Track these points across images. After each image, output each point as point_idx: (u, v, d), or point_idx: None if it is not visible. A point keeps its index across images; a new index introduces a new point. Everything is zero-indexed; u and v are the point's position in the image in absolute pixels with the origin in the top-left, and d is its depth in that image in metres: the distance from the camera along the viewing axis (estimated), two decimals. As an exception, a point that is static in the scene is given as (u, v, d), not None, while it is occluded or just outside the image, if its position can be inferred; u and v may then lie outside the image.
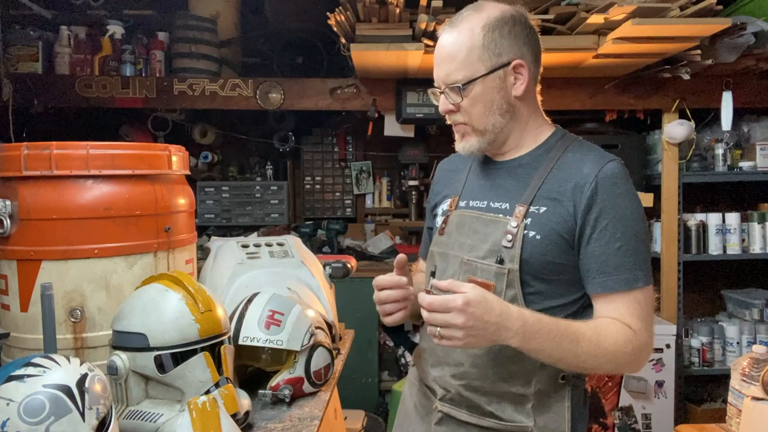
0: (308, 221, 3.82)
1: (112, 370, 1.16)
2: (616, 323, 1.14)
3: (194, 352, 1.18)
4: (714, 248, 3.26)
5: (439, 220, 1.36)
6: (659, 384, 3.06)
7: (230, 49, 3.47)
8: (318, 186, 3.96)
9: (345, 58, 2.94)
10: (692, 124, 3.11)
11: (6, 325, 1.40)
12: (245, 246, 1.77)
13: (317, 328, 1.48)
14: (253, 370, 1.53)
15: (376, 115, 3.24)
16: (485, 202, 1.28)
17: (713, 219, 3.26)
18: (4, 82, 2.98)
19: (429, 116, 3.16)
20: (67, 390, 0.94)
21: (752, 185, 3.50)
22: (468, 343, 1.06)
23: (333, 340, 1.65)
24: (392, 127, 3.38)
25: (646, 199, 3.19)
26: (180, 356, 1.17)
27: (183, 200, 1.55)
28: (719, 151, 3.24)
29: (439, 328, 1.05)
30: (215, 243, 1.84)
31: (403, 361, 3.46)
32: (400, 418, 1.46)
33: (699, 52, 2.68)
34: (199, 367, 1.18)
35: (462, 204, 1.32)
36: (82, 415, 0.94)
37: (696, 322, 3.42)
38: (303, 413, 1.36)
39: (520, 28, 1.25)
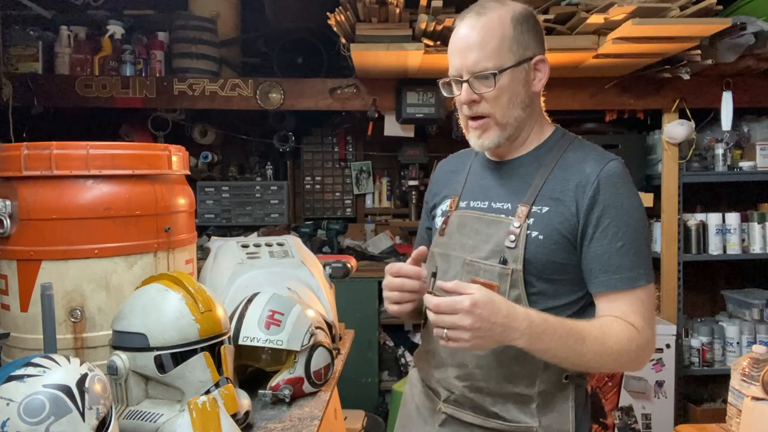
0: (308, 221, 3.82)
1: (112, 370, 1.16)
2: (620, 322, 1.14)
3: (194, 352, 1.18)
4: (714, 248, 3.25)
5: (439, 220, 1.35)
6: (659, 384, 3.06)
7: (230, 49, 3.47)
8: (318, 186, 3.96)
9: (345, 58, 2.94)
10: (692, 124, 3.11)
11: (6, 325, 1.40)
12: (245, 246, 1.77)
13: (317, 328, 1.48)
14: (253, 370, 1.53)
15: (376, 115, 3.24)
16: (486, 203, 1.28)
17: (713, 219, 3.26)
18: (4, 82, 2.98)
19: (429, 116, 3.16)
20: (67, 390, 0.94)
21: (752, 185, 3.50)
22: (475, 344, 1.05)
23: (333, 340, 1.65)
24: (392, 127, 3.38)
25: (646, 199, 3.18)
26: (180, 356, 1.17)
27: (183, 200, 1.56)
28: (719, 151, 3.24)
29: (446, 330, 1.04)
30: (215, 243, 1.84)
31: (403, 361, 3.46)
32: (402, 419, 1.45)
33: (699, 52, 2.68)
34: (199, 367, 1.18)
35: (462, 204, 1.32)
36: (82, 415, 0.94)
37: (696, 322, 3.42)
38: (303, 413, 1.36)
39: (539, 26, 1.26)
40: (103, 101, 3.10)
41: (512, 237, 1.19)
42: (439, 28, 2.52)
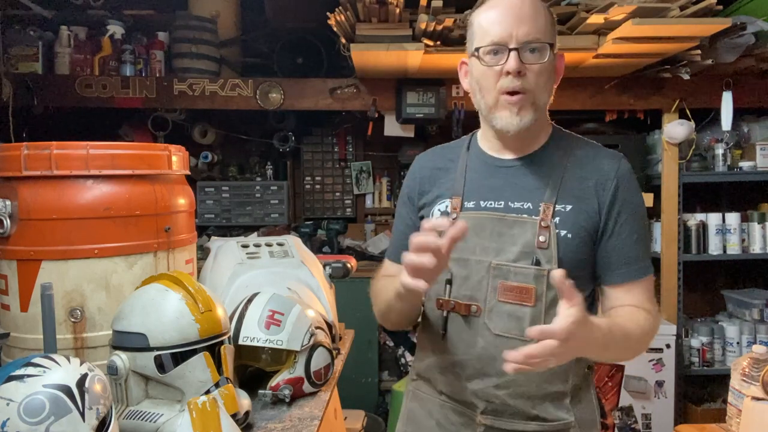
0: (308, 221, 3.82)
1: (112, 370, 1.16)
2: (641, 311, 1.18)
3: (194, 352, 1.17)
4: (714, 248, 3.25)
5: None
6: (659, 384, 3.06)
7: (230, 49, 3.47)
8: (318, 186, 3.96)
9: (345, 58, 2.94)
10: (692, 124, 3.11)
11: (6, 325, 1.40)
12: (245, 246, 1.77)
13: (317, 328, 1.48)
14: (253, 370, 1.53)
15: (376, 115, 3.24)
16: (502, 203, 1.23)
17: (713, 219, 3.26)
18: (4, 82, 2.98)
19: (429, 116, 3.16)
20: (67, 390, 0.94)
21: (752, 185, 3.50)
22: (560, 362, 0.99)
23: (333, 340, 1.65)
24: (392, 127, 3.38)
25: (647, 199, 3.18)
26: (180, 356, 1.17)
27: (183, 200, 1.56)
28: (719, 151, 3.24)
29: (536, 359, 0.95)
30: (215, 243, 1.84)
31: (403, 361, 3.46)
32: None
33: (699, 52, 2.68)
34: (199, 367, 1.18)
35: (470, 205, 1.25)
36: (82, 415, 0.94)
37: (696, 322, 3.42)
38: (303, 413, 1.36)
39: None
40: (103, 101, 3.10)
41: (542, 237, 1.17)
42: (439, 28, 2.52)
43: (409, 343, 3.52)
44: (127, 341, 1.18)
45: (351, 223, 3.91)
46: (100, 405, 0.97)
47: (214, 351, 1.21)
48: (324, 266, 1.91)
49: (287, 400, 1.38)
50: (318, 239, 3.65)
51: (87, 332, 1.35)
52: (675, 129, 3.11)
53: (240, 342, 1.36)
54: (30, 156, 1.33)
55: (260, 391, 1.38)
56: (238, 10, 3.55)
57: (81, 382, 0.96)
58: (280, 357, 1.48)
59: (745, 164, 3.24)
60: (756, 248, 3.25)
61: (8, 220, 1.34)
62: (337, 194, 3.97)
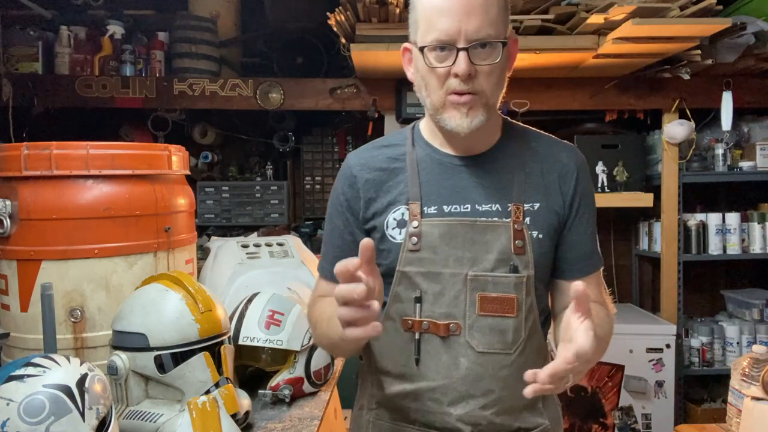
0: (308, 221, 3.82)
1: (112, 370, 1.16)
2: (602, 308, 1.16)
3: (194, 352, 1.18)
4: (714, 248, 3.25)
5: (400, 233, 1.12)
6: (659, 384, 3.06)
7: (230, 49, 3.47)
8: (318, 186, 3.96)
9: (345, 58, 2.94)
10: (692, 124, 3.11)
11: (6, 325, 1.40)
12: (245, 246, 1.77)
13: (317, 328, 1.48)
14: (253, 370, 1.53)
15: (376, 115, 3.24)
16: (468, 206, 1.12)
17: (713, 219, 3.26)
18: (4, 82, 2.98)
19: (429, 116, 3.16)
20: (67, 390, 0.94)
21: (752, 185, 3.50)
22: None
23: (333, 340, 1.65)
24: (392, 127, 3.38)
25: (646, 199, 3.19)
26: (180, 356, 1.17)
27: (183, 200, 1.56)
28: (719, 151, 3.24)
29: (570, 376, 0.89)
30: (215, 243, 1.84)
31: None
32: None
33: (699, 52, 2.68)
34: (199, 367, 1.18)
35: (431, 210, 1.12)
36: (82, 415, 0.94)
37: (696, 322, 3.42)
38: (303, 413, 1.36)
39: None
40: (103, 101, 3.10)
41: (519, 242, 1.09)
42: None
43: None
44: (127, 341, 1.18)
45: (351, 223, 3.90)
46: (100, 405, 0.97)
47: (214, 351, 1.21)
48: (324, 266, 1.91)
49: (287, 400, 1.38)
50: (318, 239, 3.64)
51: (87, 332, 1.35)
52: (675, 129, 3.11)
53: (240, 342, 1.36)
54: (30, 156, 1.33)
55: (260, 391, 1.39)
56: (238, 10, 3.55)
57: (81, 382, 0.96)
58: (280, 357, 1.48)
59: (745, 164, 3.24)
60: (756, 248, 3.25)
61: (8, 220, 1.34)
62: (337, 194, 3.97)
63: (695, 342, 3.29)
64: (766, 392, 1.57)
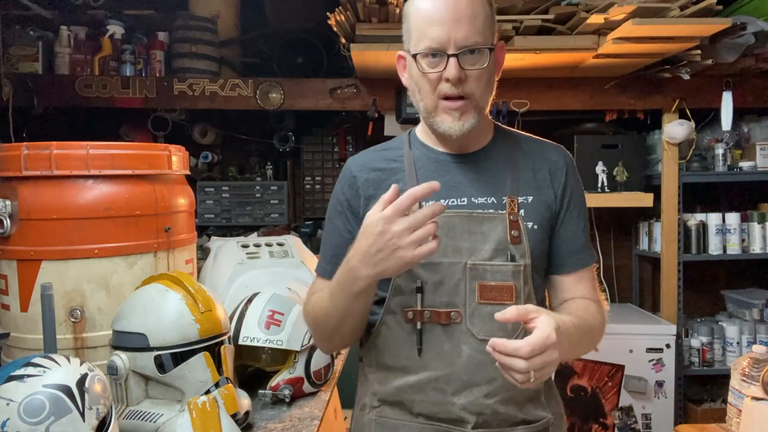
0: (308, 221, 3.82)
1: (112, 370, 1.16)
2: (593, 304, 1.20)
3: (194, 352, 1.18)
4: (714, 248, 3.25)
5: None
6: (659, 384, 3.06)
7: (230, 49, 3.47)
8: (318, 186, 3.96)
9: (345, 58, 2.94)
10: (692, 124, 3.11)
11: (6, 325, 1.40)
12: (245, 246, 1.77)
13: (317, 328, 1.48)
14: (253, 370, 1.53)
15: (376, 115, 3.24)
16: (465, 199, 1.17)
17: (713, 219, 3.26)
18: (4, 82, 2.98)
19: (429, 116, 3.16)
20: (67, 390, 0.94)
21: (752, 185, 3.50)
22: (553, 371, 0.99)
23: (333, 340, 1.65)
24: (392, 127, 3.38)
25: (646, 199, 3.19)
26: (180, 356, 1.17)
27: (183, 200, 1.56)
28: (719, 151, 3.24)
29: (533, 372, 0.93)
30: (215, 243, 1.84)
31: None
32: None
33: (699, 52, 2.68)
34: (199, 367, 1.18)
35: (430, 204, 1.14)
36: (82, 415, 0.94)
37: (696, 322, 3.42)
38: (303, 413, 1.36)
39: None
40: (103, 101, 3.10)
41: (515, 232, 1.14)
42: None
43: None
44: (127, 341, 1.18)
45: (351, 223, 3.90)
46: (100, 405, 0.97)
47: (214, 351, 1.21)
48: (324, 266, 1.91)
49: (287, 400, 1.38)
50: (318, 239, 3.64)
51: (87, 332, 1.35)
52: (675, 129, 3.11)
53: (240, 342, 1.36)
54: (30, 156, 1.33)
55: (260, 391, 1.39)
56: (238, 10, 3.55)
57: (81, 382, 0.96)
58: (280, 357, 1.48)
59: (745, 164, 3.24)
60: (756, 248, 3.25)
61: (8, 220, 1.34)
62: (337, 194, 3.96)
63: (695, 342, 3.29)
64: (766, 392, 1.57)
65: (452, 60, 1.08)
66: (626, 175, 3.24)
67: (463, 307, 1.12)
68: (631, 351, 3.04)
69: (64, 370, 0.96)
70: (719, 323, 3.39)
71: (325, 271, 1.22)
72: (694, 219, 3.28)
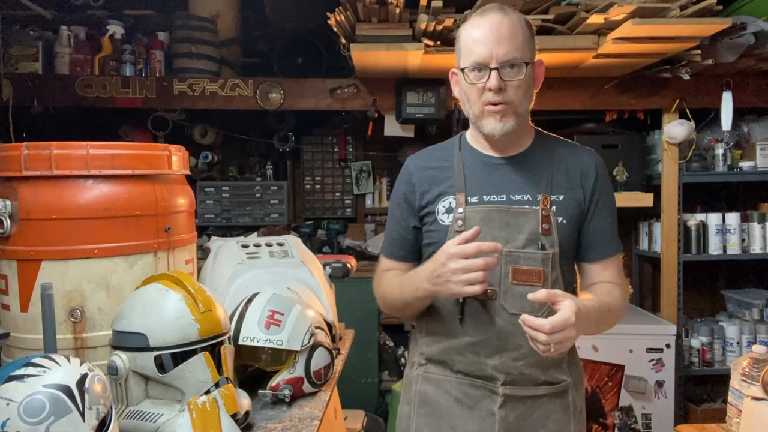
0: (308, 221, 3.82)
1: (112, 370, 1.16)
2: (616, 287, 1.40)
3: (194, 352, 1.17)
4: (714, 248, 3.25)
5: (448, 217, 1.40)
6: (659, 384, 3.06)
7: (230, 49, 3.47)
8: (318, 186, 3.96)
9: (345, 58, 2.94)
10: (692, 124, 3.11)
11: (6, 325, 1.40)
12: (245, 246, 1.77)
13: (317, 328, 1.48)
14: (253, 370, 1.53)
15: (376, 115, 3.24)
16: (504, 196, 1.38)
17: (713, 219, 3.26)
18: (4, 82, 2.98)
19: (429, 116, 3.16)
20: (67, 390, 0.94)
21: (752, 185, 3.50)
22: (570, 345, 1.22)
23: (333, 340, 1.65)
24: (392, 127, 3.38)
25: (646, 199, 3.19)
26: (180, 356, 1.17)
27: (183, 200, 1.56)
28: (719, 151, 3.24)
29: (553, 345, 1.14)
30: (215, 243, 1.84)
31: (402, 361, 3.45)
32: (431, 417, 1.44)
33: (699, 52, 2.68)
34: (199, 367, 1.17)
35: (474, 200, 1.39)
36: (82, 415, 0.94)
37: (696, 322, 3.42)
38: (303, 413, 1.36)
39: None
40: (103, 101, 3.10)
41: (546, 225, 1.35)
42: (439, 28, 2.52)
43: (409, 343, 3.51)
44: (127, 341, 1.18)
45: (351, 223, 3.91)
46: (100, 405, 0.97)
47: (214, 351, 1.21)
48: (324, 266, 1.91)
49: (287, 400, 1.38)
50: (318, 239, 3.64)
51: (87, 332, 1.35)
52: (675, 129, 3.11)
53: (240, 342, 1.36)
54: (30, 156, 1.33)
55: (260, 391, 1.38)
56: (238, 10, 3.55)
57: (81, 382, 0.96)
58: (280, 357, 1.48)
59: (745, 164, 3.24)
60: (756, 248, 3.25)
61: (8, 220, 1.34)
62: (337, 194, 3.97)
63: (695, 342, 3.29)
64: (766, 392, 1.57)
65: (494, 72, 1.30)
66: (626, 175, 3.24)
67: (499, 287, 1.34)
68: (631, 351, 3.04)
69: (64, 370, 0.96)
70: (719, 323, 3.40)
71: (387, 251, 1.53)
72: (694, 219, 3.28)
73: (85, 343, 1.35)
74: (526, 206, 1.36)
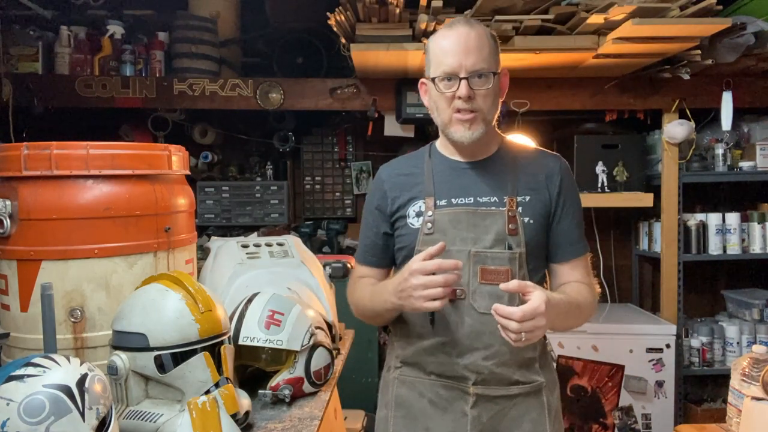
0: (308, 221, 3.82)
1: (112, 370, 1.16)
2: (584, 286, 1.44)
3: (194, 352, 1.18)
4: (714, 248, 3.25)
5: (418, 221, 1.44)
6: (659, 384, 3.06)
7: (230, 49, 3.47)
8: (318, 186, 3.96)
9: (345, 58, 2.94)
10: (692, 124, 3.11)
11: (6, 325, 1.40)
12: (245, 246, 1.77)
13: (317, 328, 1.48)
14: (253, 370, 1.53)
15: (376, 115, 3.24)
16: (471, 198, 1.42)
17: (713, 219, 3.26)
18: (4, 82, 2.98)
19: (429, 116, 3.14)
20: (67, 390, 0.94)
21: (752, 185, 3.50)
22: (541, 335, 1.25)
23: (333, 340, 1.65)
24: (392, 127, 3.38)
25: (646, 199, 3.19)
26: (180, 356, 1.17)
27: (183, 200, 1.56)
28: (719, 151, 3.24)
29: (524, 333, 1.18)
30: (215, 243, 1.84)
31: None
32: (407, 419, 1.47)
33: (699, 52, 2.68)
34: (199, 367, 1.18)
35: (442, 203, 1.43)
36: (82, 415, 0.94)
37: (696, 322, 3.42)
38: (303, 413, 1.36)
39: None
40: (103, 101, 3.10)
41: (512, 225, 1.39)
42: (439, 28, 2.52)
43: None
44: (127, 341, 1.18)
45: (351, 223, 3.90)
46: (100, 405, 0.97)
47: (214, 351, 1.21)
48: (324, 266, 1.91)
49: (287, 400, 1.38)
50: (318, 239, 3.64)
51: (87, 332, 1.35)
52: (675, 129, 3.11)
53: (240, 342, 1.36)
54: (30, 156, 1.33)
55: (260, 391, 1.38)
56: (238, 10, 3.55)
57: (81, 382, 0.96)
58: (280, 357, 1.48)
59: (745, 164, 3.24)
60: (756, 248, 3.25)
61: (8, 220, 1.34)
62: (337, 194, 3.97)
63: (695, 342, 3.29)
64: (766, 392, 1.57)
65: (463, 82, 1.35)
66: (626, 175, 3.24)
67: (467, 287, 1.37)
68: (631, 351, 3.04)
69: (64, 370, 0.96)
70: (719, 323, 3.39)
71: (360, 258, 1.58)
72: (694, 219, 3.28)
73: (85, 343, 1.35)
74: (493, 207, 1.40)
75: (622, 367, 3.05)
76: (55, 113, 3.30)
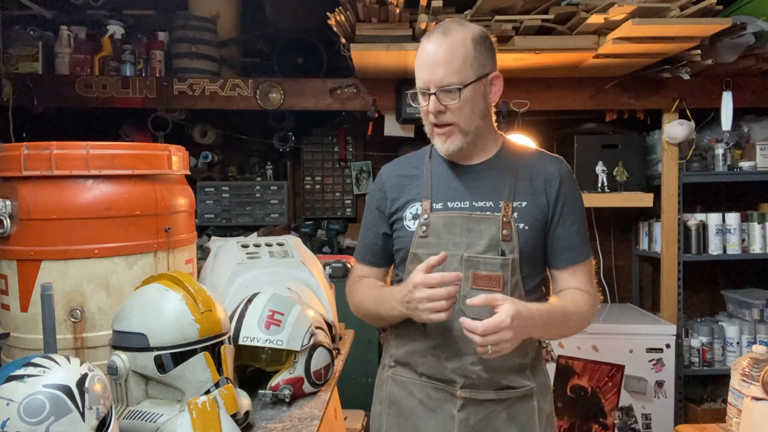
0: (308, 221, 3.82)
1: (112, 370, 1.16)
2: (582, 294, 1.41)
3: (194, 352, 1.17)
4: (714, 248, 3.25)
5: (414, 223, 1.44)
6: (659, 384, 3.06)
7: (230, 49, 3.47)
8: (318, 186, 3.96)
9: (345, 58, 2.94)
10: (692, 124, 3.11)
11: (6, 325, 1.40)
12: (245, 246, 1.77)
13: (317, 328, 1.48)
14: (253, 370, 1.53)
15: (376, 115, 3.24)
16: (467, 202, 1.42)
17: (713, 219, 3.26)
18: (4, 82, 2.98)
19: (429, 116, 3.15)
20: (67, 390, 0.94)
21: (752, 185, 3.50)
22: (511, 348, 1.23)
23: (333, 340, 1.65)
24: (392, 127, 3.38)
25: (646, 199, 3.19)
26: (180, 356, 1.17)
27: (183, 200, 1.56)
28: (719, 151, 3.24)
29: (490, 346, 1.20)
30: (215, 243, 1.84)
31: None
32: (398, 418, 1.49)
33: (699, 52, 2.68)
34: (199, 367, 1.17)
35: (438, 206, 1.43)
36: (82, 415, 0.94)
37: (696, 322, 3.42)
38: (303, 413, 1.36)
39: (493, 46, 1.43)
40: (103, 101, 3.10)
41: (506, 231, 1.37)
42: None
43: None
44: (127, 341, 1.18)
45: (351, 223, 3.90)
46: (100, 405, 0.97)
47: (214, 351, 1.20)
48: (324, 266, 1.91)
49: (287, 400, 1.38)
50: (318, 239, 3.64)
51: (87, 332, 1.35)
52: (675, 129, 3.11)
53: (240, 342, 1.36)
54: (30, 156, 1.33)
55: (260, 391, 1.38)
56: (238, 10, 3.55)
57: (81, 382, 0.96)
58: (280, 357, 1.48)
59: (745, 164, 3.24)
60: (756, 248, 3.25)
61: (8, 220, 1.34)
62: (337, 194, 3.97)
63: (695, 342, 3.29)
64: (766, 392, 1.57)
65: (432, 97, 1.35)
66: (626, 175, 3.24)
67: (458, 291, 1.31)
68: (631, 351, 3.04)
69: (64, 370, 0.96)
70: (719, 323, 3.39)
71: (360, 256, 1.58)
72: (694, 219, 3.28)
73: (85, 343, 1.35)
74: (488, 212, 1.39)
75: (622, 367, 3.05)
76: (55, 113, 3.30)
